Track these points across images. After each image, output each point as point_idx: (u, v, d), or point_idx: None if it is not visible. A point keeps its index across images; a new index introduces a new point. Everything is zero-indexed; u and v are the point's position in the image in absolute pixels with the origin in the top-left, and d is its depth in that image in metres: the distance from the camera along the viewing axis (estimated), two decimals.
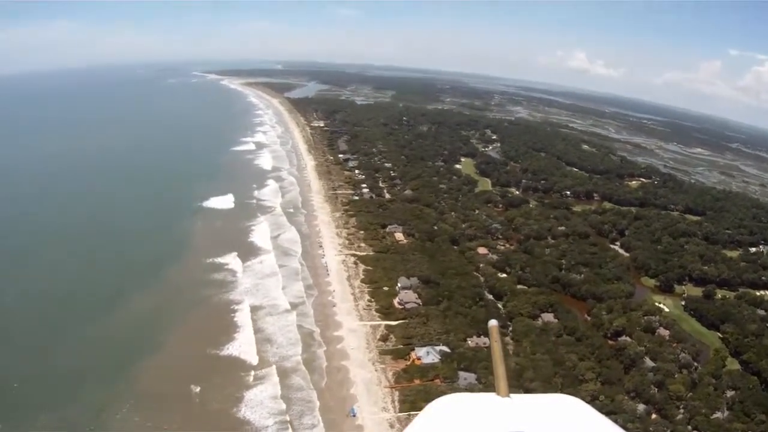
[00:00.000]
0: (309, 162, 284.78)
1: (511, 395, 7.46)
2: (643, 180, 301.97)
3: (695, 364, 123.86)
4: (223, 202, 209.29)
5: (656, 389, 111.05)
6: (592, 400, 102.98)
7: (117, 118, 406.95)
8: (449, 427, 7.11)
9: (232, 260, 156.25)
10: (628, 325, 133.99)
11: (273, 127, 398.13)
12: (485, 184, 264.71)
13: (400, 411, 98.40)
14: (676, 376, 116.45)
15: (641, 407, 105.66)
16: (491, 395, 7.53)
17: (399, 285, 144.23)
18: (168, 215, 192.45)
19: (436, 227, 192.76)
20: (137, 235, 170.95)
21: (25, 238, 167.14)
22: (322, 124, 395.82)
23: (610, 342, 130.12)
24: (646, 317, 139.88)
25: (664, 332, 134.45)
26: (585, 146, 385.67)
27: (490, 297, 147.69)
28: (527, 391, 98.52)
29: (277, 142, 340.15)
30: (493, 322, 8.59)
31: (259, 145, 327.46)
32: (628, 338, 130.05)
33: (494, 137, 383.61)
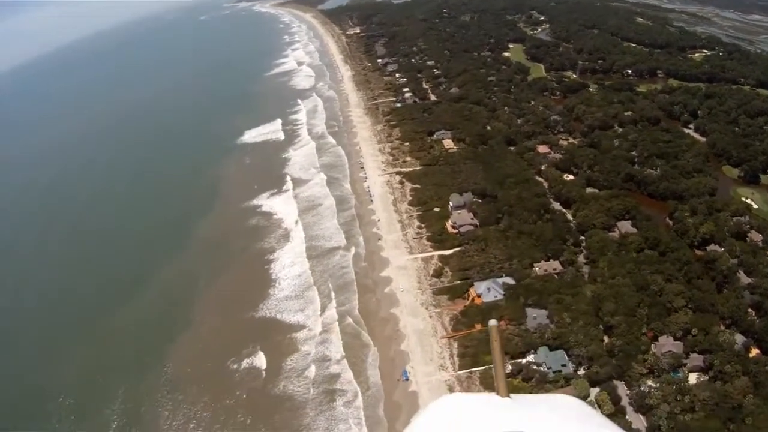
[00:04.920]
0: (346, 73, 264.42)
1: (511, 395, 7.53)
2: (706, 52, 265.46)
3: None
4: (256, 133, 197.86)
5: (754, 314, 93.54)
6: (684, 335, 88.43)
7: (150, 67, 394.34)
8: (449, 427, 7.05)
9: (263, 201, 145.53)
10: (716, 231, 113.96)
11: (307, 43, 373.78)
12: (538, 70, 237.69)
13: (460, 368, 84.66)
14: None
15: (739, 339, 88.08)
16: (491, 395, 7.60)
17: (451, 204, 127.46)
18: (209, 151, 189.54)
19: (488, 127, 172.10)
20: (181, 177, 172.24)
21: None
22: (357, 31, 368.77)
23: (698, 252, 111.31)
24: (735, 218, 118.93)
25: (756, 236, 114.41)
26: (639, 19, 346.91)
27: (557, 206, 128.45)
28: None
29: (312, 57, 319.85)
30: (492, 322, 8.67)
31: (294, 64, 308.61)
32: (717, 247, 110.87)
33: (542, 18, 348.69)
